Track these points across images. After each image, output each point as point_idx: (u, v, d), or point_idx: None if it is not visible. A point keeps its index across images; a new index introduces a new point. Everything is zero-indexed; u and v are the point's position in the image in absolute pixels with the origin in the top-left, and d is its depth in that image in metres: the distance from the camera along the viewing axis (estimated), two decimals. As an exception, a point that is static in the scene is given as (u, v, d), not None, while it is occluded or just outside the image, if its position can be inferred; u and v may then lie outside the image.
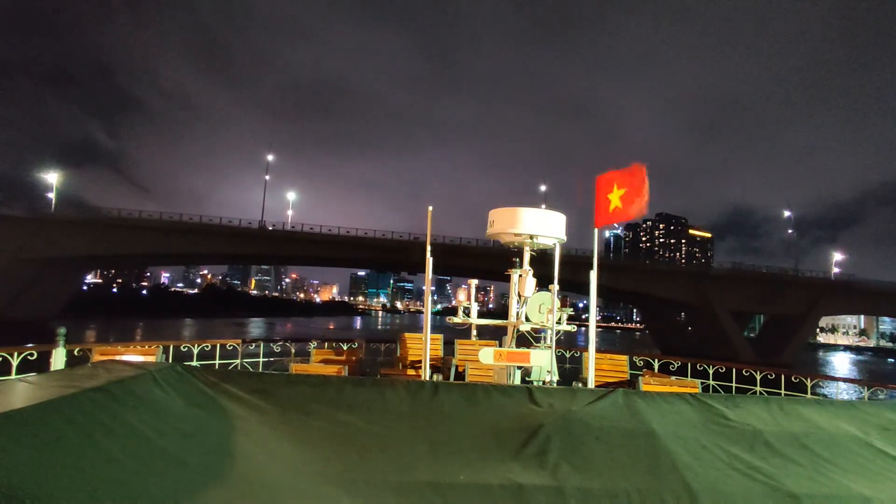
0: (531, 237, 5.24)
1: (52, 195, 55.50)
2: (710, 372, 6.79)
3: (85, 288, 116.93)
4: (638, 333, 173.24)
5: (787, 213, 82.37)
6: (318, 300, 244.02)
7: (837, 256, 72.34)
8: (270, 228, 55.26)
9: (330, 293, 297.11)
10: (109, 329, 58.52)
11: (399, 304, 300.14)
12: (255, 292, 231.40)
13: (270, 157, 68.88)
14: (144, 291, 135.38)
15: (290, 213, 67.10)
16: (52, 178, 56.05)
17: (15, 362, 4.97)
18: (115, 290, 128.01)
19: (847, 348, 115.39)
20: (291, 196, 68.98)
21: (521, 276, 5.25)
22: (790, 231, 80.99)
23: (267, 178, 66.39)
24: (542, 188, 73.32)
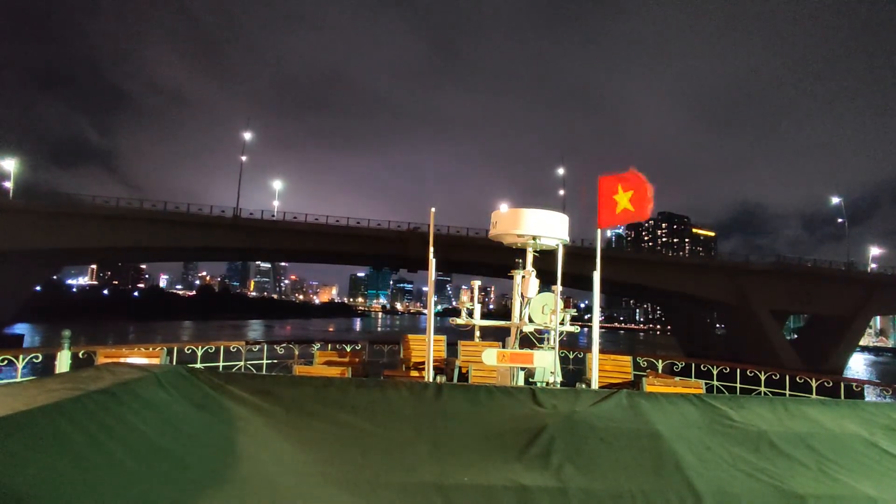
0: (534, 238, 5.23)
1: (8, 184, 47.23)
2: (714, 372, 6.78)
3: (74, 290, 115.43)
4: (642, 334, 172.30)
5: (835, 200, 70.68)
6: (317, 301, 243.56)
7: (875, 251, 64.55)
8: (247, 217, 48.37)
9: (329, 294, 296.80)
10: (86, 333, 51.04)
11: (399, 306, 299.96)
12: (254, 294, 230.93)
13: (248, 136, 59.99)
14: (137, 293, 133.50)
15: (276, 203, 58.46)
16: (9, 164, 47.96)
17: (20, 365, 4.99)
18: (105, 292, 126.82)
19: (864, 349, 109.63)
20: (277, 185, 61.02)
21: (524, 277, 5.24)
22: (840, 220, 68.30)
23: (243, 158, 58.04)
24: (560, 171, 63.93)
